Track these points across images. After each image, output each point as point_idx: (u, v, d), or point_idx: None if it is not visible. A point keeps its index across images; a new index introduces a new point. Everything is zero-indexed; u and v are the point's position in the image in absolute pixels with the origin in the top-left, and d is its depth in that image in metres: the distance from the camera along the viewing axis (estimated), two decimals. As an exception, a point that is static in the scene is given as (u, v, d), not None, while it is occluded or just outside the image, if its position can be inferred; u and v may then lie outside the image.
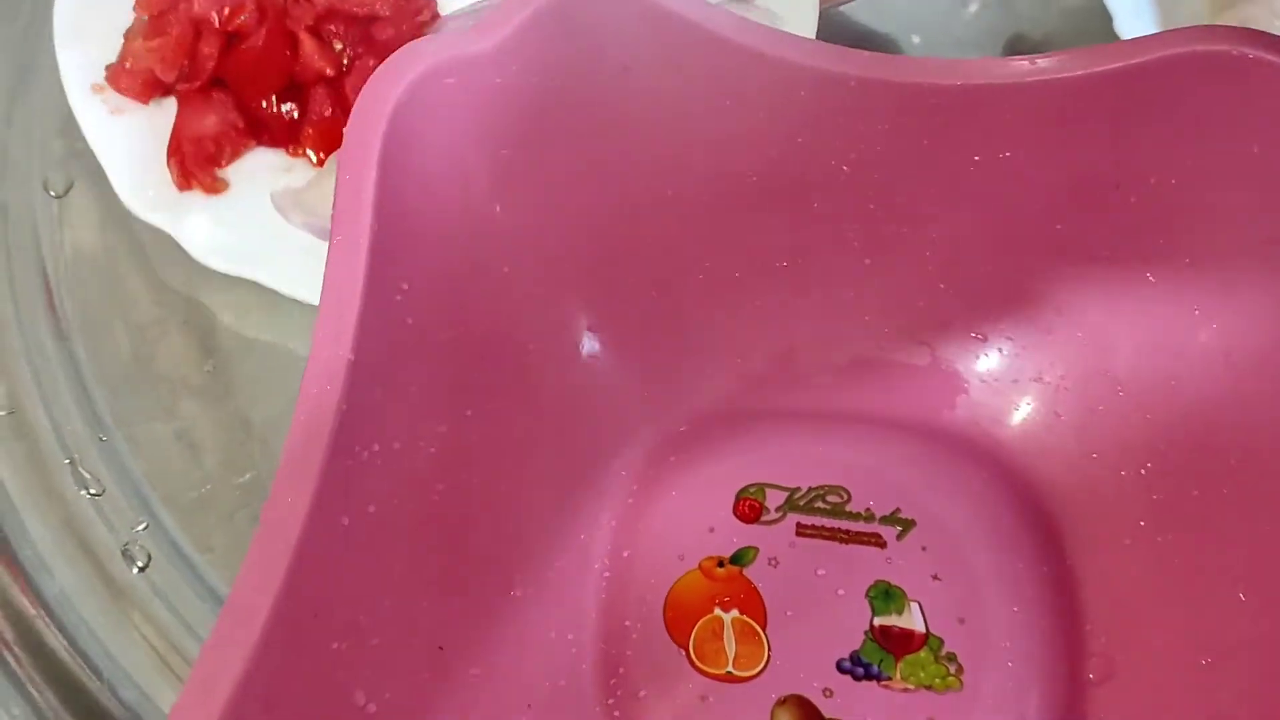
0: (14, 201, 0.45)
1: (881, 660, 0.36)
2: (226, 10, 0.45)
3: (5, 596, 0.37)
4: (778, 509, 0.38)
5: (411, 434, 0.33)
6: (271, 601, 0.27)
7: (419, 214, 0.34)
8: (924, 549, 0.37)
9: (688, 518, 0.38)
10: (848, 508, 0.38)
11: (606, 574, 0.38)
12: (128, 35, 0.47)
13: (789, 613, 0.37)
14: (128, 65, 0.46)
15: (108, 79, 0.46)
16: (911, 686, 0.35)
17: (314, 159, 0.46)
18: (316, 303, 0.31)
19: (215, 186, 0.45)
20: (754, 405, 0.40)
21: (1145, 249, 0.39)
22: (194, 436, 0.41)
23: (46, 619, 0.37)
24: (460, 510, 0.35)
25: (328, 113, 0.46)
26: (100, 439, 0.40)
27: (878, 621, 0.36)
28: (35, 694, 0.35)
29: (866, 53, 0.38)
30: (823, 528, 0.38)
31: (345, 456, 0.30)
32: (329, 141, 0.46)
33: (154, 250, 0.44)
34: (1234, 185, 0.37)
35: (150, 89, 0.46)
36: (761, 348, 0.41)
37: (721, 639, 0.36)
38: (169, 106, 0.46)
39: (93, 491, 0.39)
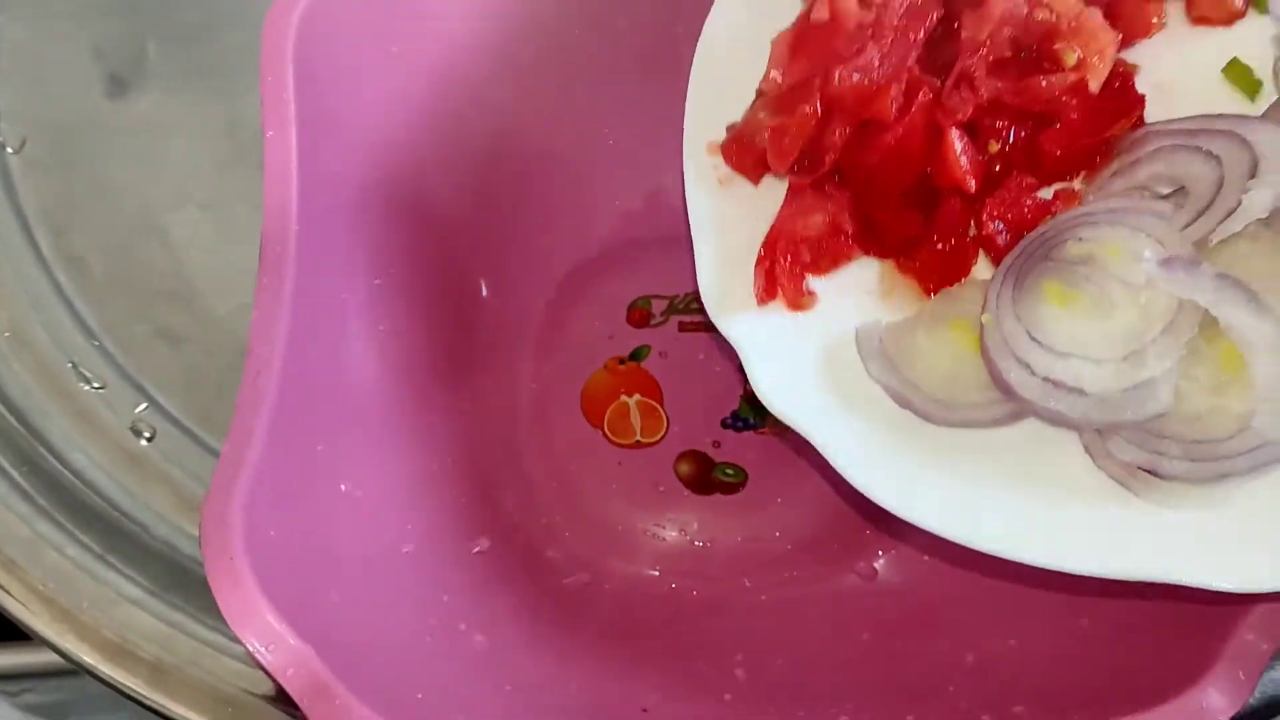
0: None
1: (754, 415, 0.45)
2: (868, 90, 0.35)
3: (42, 470, 0.45)
4: (661, 314, 0.47)
5: (350, 287, 0.41)
6: (265, 420, 0.35)
7: (331, 104, 0.42)
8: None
9: (591, 330, 0.47)
10: (717, 305, 0.47)
11: (533, 385, 0.46)
12: (757, 96, 0.39)
13: (679, 391, 0.46)
14: (745, 134, 0.38)
15: (724, 144, 0.39)
16: (779, 431, 0.44)
17: (919, 288, 0.37)
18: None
19: (800, 301, 0.37)
20: (634, 236, 0.49)
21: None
22: (173, 333, 0.48)
23: (80, 484, 0.45)
24: (407, 348, 0.44)
25: (953, 241, 0.36)
26: (93, 344, 0.48)
27: (749, 387, 0.45)
28: (85, 540, 0.43)
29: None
30: (698, 323, 0.47)
31: (309, 299, 0.38)
32: (945, 273, 0.37)
33: (108, 187, 0.51)
34: None
35: (761, 168, 0.38)
36: (636, 190, 0.50)
37: (629, 418, 0.45)
38: (780, 189, 0.38)
39: (95, 385, 0.47)
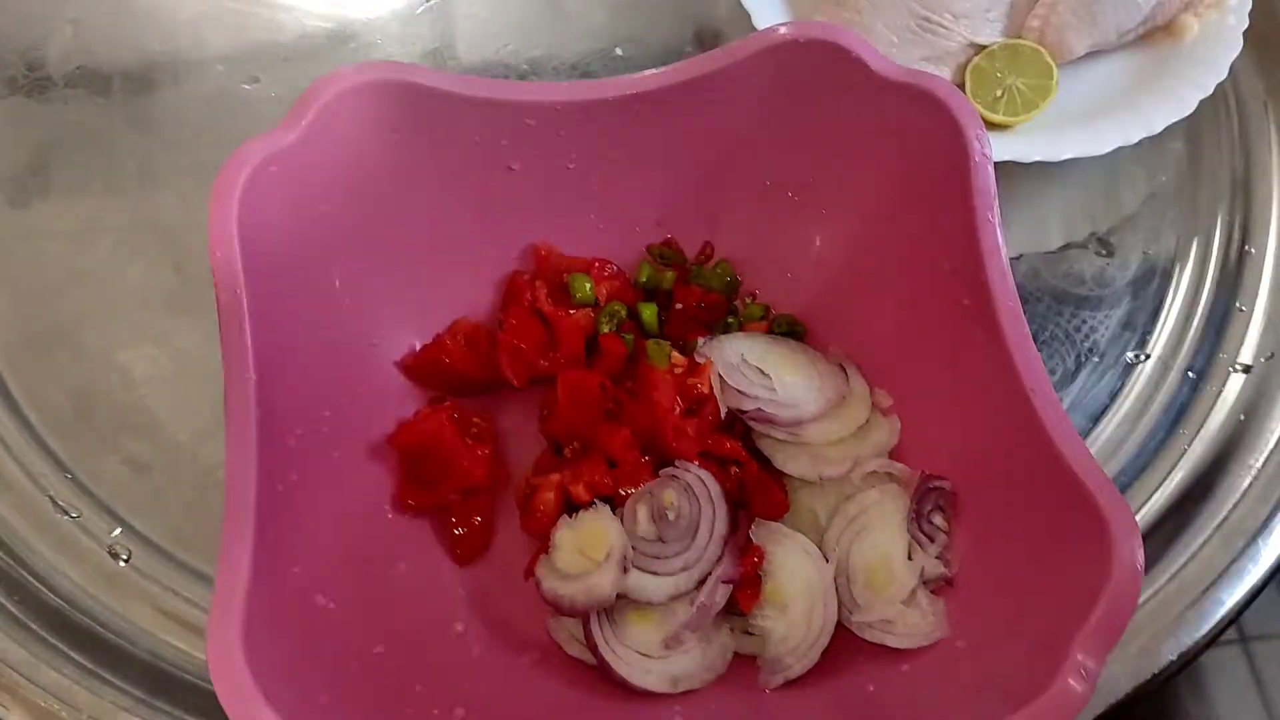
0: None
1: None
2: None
3: (32, 596, 0.50)
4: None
5: (307, 420, 0.48)
6: (249, 549, 0.41)
7: (274, 263, 0.48)
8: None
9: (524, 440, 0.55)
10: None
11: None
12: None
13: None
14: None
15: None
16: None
17: None
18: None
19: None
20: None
21: (779, 182, 0.57)
22: (139, 461, 0.54)
23: (67, 606, 0.50)
24: (354, 470, 0.51)
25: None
26: (66, 477, 0.54)
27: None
28: (77, 657, 0.49)
29: (564, 83, 0.54)
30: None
31: (270, 445, 0.44)
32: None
33: (68, 332, 0.57)
34: (821, 135, 0.55)
35: None
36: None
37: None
38: None
39: (72, 515, 0.53)
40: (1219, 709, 1.18)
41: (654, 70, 0.54)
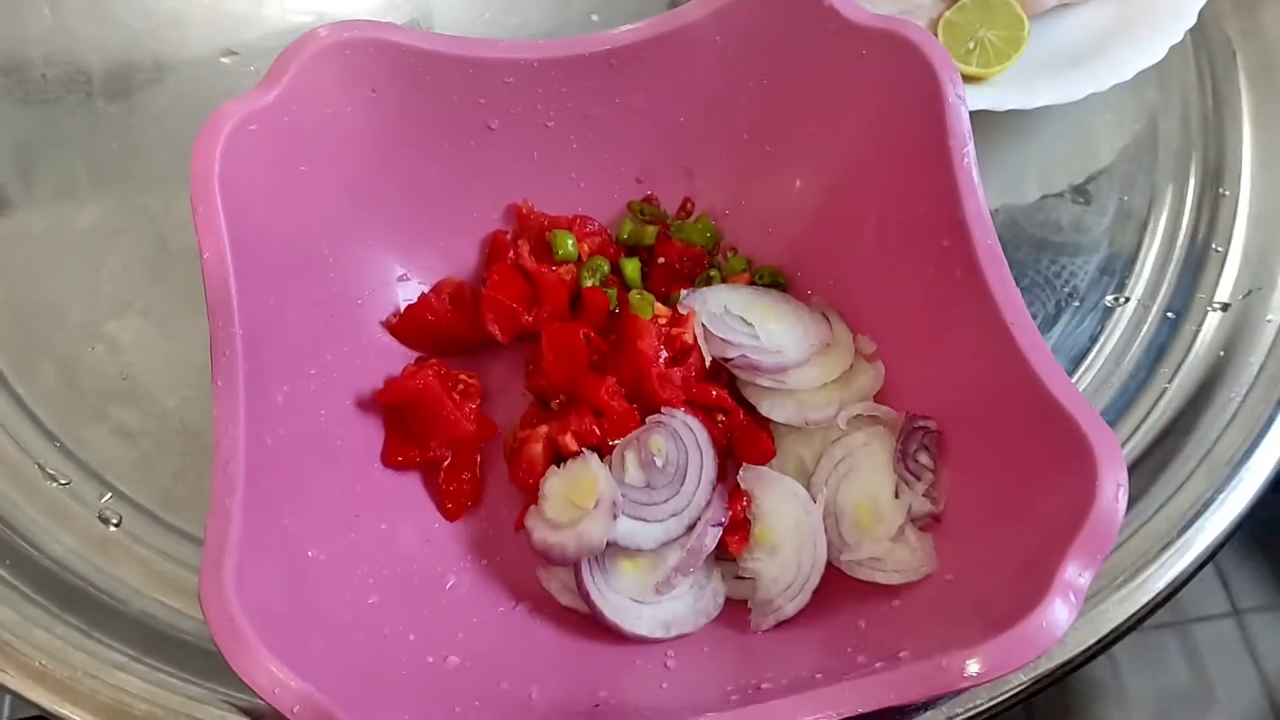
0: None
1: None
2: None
3: (25, 560, 0.51)
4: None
5: (294, 377, 0.48)
6: (239, 500, 0.41)
7: (256, 221, 0.48)
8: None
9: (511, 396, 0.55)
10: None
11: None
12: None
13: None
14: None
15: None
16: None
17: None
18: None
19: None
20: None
21: (756, 134, 0.57)
22: (127, 428, 0.54)
23: (59, 569, 0.51)
24: (342, 427, 0.51)
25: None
26: (55, 445, 0.54)
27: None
28: (70, 619, 0.49)
29: (540, 40, 0.54)
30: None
31: (258, 400, 0.44)
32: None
33: (53, 304, 0.57)
34: (795, 85, 0.55)
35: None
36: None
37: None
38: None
39: (62, 482, 0.53)
40: (1215, 681, 1.19)
41: (629, 25, 0.54)
